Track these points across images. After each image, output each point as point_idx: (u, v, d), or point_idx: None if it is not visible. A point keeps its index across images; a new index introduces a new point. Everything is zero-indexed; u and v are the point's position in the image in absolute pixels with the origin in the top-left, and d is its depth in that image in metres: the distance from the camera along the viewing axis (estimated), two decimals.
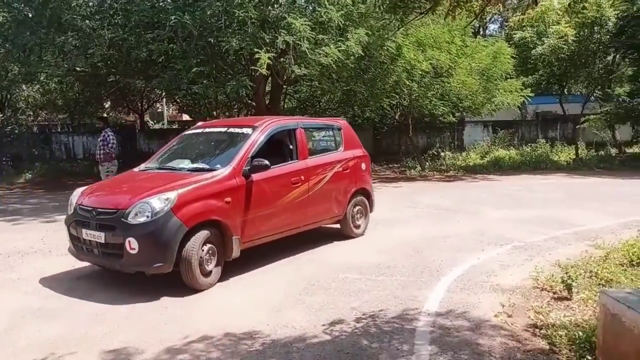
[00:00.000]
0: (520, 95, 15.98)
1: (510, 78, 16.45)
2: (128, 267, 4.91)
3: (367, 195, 7.47)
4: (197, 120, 12.09)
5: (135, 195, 4.91)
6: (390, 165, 19.11)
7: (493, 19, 36.93)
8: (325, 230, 7.23)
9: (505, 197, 10.75)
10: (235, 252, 5.32)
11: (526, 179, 14.25)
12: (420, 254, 6.19)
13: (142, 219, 4.73)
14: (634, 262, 5.30)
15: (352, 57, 10.00)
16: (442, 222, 8.24)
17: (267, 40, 9.64)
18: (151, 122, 30.11)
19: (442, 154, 19.13)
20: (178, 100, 20.93)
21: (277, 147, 6.38)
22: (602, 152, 18.93)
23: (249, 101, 15.81)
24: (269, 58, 9.31)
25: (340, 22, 9.75)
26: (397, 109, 17.53)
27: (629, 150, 20.26)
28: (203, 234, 4.98)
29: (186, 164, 5.91)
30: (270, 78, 15.99)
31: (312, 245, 6.66)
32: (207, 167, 5.60)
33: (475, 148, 19.73)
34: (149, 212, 4.74)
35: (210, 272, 5.10)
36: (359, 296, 4.75)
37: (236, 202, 5.32)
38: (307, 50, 9.40)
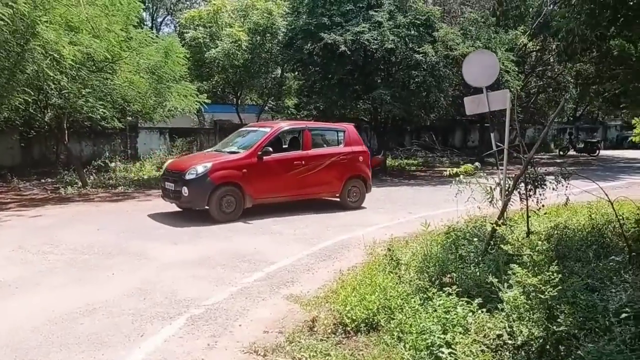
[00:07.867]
0: (196, 101, 14.37)
1: (185, 81, 14.68)
2: (184, 205, 8.99)
3: (363, 179, 10.28)
4: None
5: (191, 164, 8.85)
6: (44, 181, 14.79)
7: (165, 21, 35.26)
8: None
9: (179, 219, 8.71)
10: (248, 204, 8.85)
11: None
12: None
13: (191, 177, 8.52)
14: (349, 329, 3.85)
15: None
16: (87, 278, 5.47)
17: None
18: None
19: (112, 164, 15.96)
20: None
21: (292, 141, 10.25)
22: None
23: None
24: None
25: None
26: (48, 110, 13.58)
27: None
28: (224, 189, 8.63)
29: (229, 148, 9.80)
30: None
31: None
32: (237, 150, 9.46)
33: (151, 158, 17.33)
34: (194, 173, 8.55)
35: (230, 212, 8.65)
36: None
37: (249, 173, 8.84)
38: None
